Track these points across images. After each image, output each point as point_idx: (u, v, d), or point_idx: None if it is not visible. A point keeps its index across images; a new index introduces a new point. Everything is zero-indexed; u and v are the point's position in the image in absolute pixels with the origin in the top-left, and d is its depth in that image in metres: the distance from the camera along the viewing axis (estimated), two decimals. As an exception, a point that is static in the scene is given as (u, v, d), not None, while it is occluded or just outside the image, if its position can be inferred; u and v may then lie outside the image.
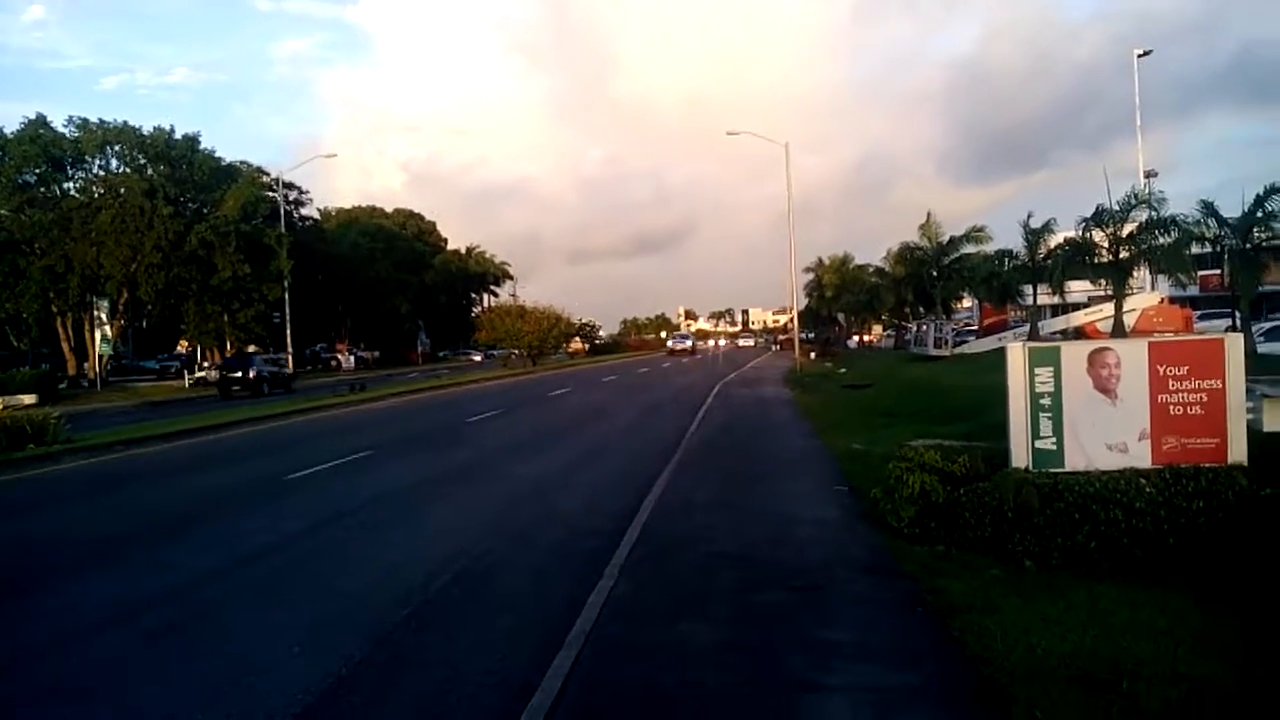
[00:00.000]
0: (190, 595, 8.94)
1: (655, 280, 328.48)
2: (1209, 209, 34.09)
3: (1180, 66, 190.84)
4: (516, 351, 74.88)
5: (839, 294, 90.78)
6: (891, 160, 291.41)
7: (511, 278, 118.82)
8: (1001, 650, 6.25)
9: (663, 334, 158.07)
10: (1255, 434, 9.63)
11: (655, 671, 6.35)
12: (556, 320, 77.14)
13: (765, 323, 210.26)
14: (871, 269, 79.65)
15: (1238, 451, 9.24)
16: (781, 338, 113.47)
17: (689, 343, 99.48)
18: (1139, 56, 54.87)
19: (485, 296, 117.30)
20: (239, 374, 45.12)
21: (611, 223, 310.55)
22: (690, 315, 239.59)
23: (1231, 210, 33.73)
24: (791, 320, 77.40)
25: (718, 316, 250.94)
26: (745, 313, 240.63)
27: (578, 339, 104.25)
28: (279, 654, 7.14)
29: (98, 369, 54.52)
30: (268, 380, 45.94)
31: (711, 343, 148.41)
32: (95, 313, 54.53)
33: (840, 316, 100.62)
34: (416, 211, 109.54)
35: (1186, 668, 5.88)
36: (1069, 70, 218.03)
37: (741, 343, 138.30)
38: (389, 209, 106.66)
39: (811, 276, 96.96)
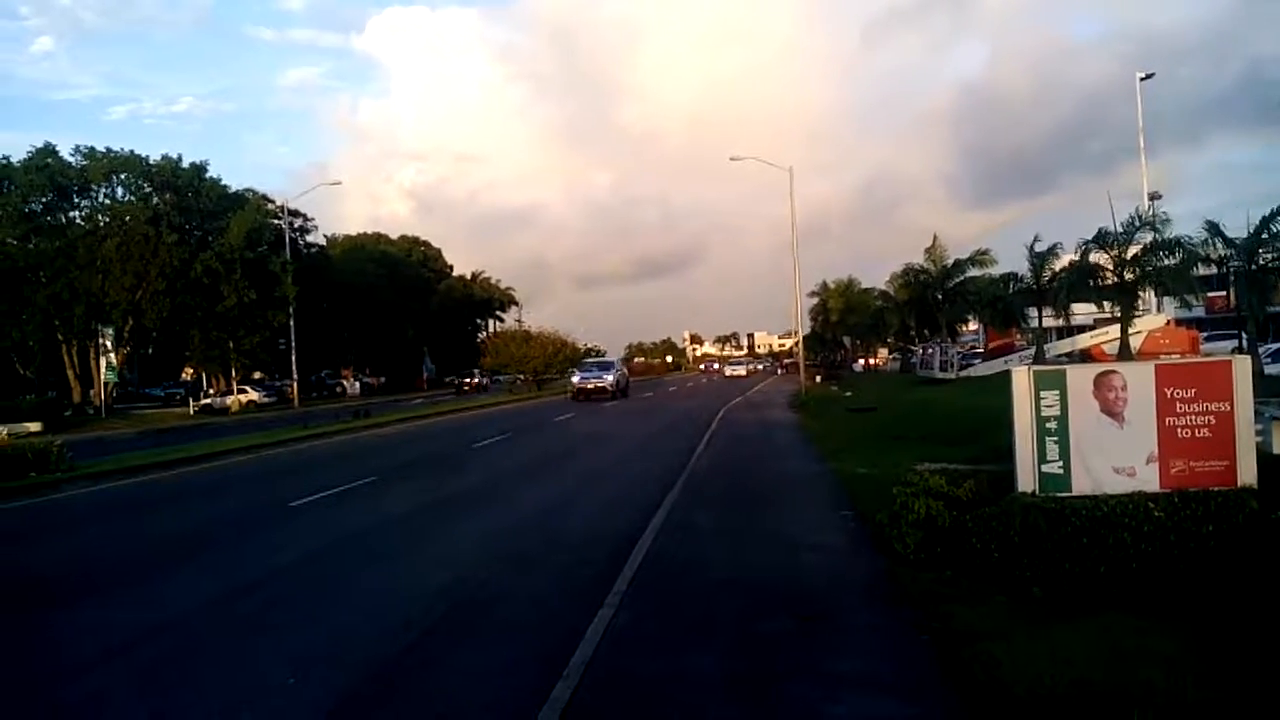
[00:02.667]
0: (184, 626, 8.84)
1: (661, 305, 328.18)
2: (1214, 229, 34.07)
3: (1190, 88, 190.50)
4: (522, 376, 74.86)
5: (844, 317, 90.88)
6: (899, 183, 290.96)
7: (516, 303, 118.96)
8: (1009, 679, 6.12)
9: (668, 359, 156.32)
10: (1264, 456, 9.53)
11: (656, 703, 6.22)
12: (561, 345, 77.08)
13: (771, 346, 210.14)
14: (876, 292, 79.71)
15: (1247, 474, 9.13)
16: (787, 361, 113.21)
17: (610, 376, 54.70)
18: (1141, 79, 55.06)
19: (490, 322, 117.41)
20: (467, 380, 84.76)
21: (618, 248, 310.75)
22: (696, 339, 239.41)
23: (1241, 231, 33.72)
24: (797, 344, 77.28)
25: (723, 340, 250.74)
26: (751, 336, 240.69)
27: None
28: (274, 685, 7.03)
29: (103, 396, 54.57)
30: (485, 385, 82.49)
31: (703, 366, 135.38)
32: (100, 340, 54.65)
33: (845, 340, 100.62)
34: (422, 238, 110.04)
35: (1196, 695, 5.75)
36: (1077, 93, 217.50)
37: (729, 370, 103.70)
38: (395, 235, 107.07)
39: (817, 300, 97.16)
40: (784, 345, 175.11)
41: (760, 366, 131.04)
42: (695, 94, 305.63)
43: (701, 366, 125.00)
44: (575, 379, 54.38)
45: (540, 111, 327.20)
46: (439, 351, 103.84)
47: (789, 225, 51.67)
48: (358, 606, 9.36)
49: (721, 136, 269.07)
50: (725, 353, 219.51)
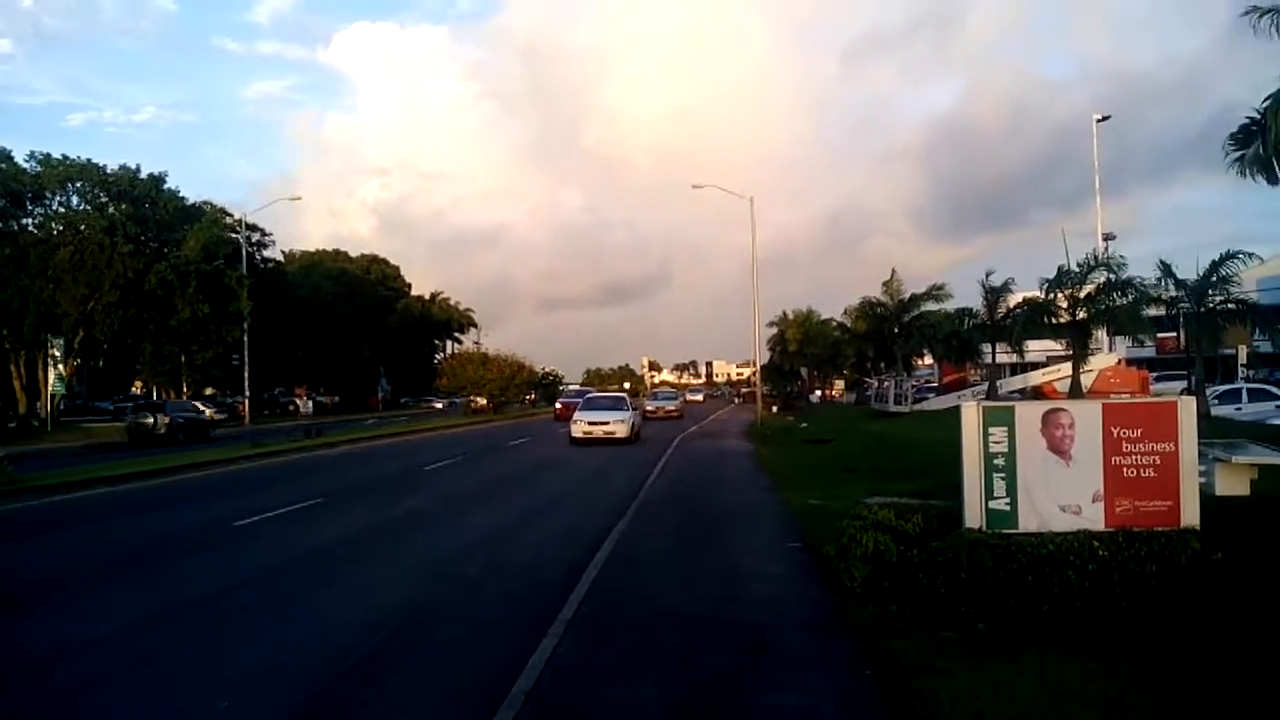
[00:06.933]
0: (117, 646, 8.62)
1: (621, 331, 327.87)
2: (1166, 270, 34.61)
3: (1160, 130, 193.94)
4: (478, 399, 74.50)
5: (802, 348, 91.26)
6: (866, 214, 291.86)
7: (475, 325, 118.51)
8: (949, 715, 6.10)
9: (625, 385, 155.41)
10: (1208, 497, 9.61)
11: (595, 735, 6.14)
12: (519, 368, 76.90)
13: (729, 375, 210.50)
14: (835, 324, 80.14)
15: (1190, 515, 9.22)
16: (744, 390, 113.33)
17: None
18: (1098, 121, 56.05)
19: (448, 343, 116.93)
20: None
21: (579, 272, 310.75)
22: (654, 366, 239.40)
23: (1194, 273, 34.23)
24: (755, 374, 77.45)
25: (682, 368, 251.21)
26: (709, 365, 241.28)
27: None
28: (206, 709, 6.86)
29: (49, 408, 53.61)
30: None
31: (559, 404, 70.02)
32: (49, 351, 53.72)
33: (803, 371, 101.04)
34: (381, 256, 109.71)
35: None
36: (1048, 131, 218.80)
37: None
38: (355, 253, 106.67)
39: (776, 330, 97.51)
40: (742, 374, 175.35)
41: (699, 396, 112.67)
42: (663, 119, 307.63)
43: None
44: None
45: (507, 132, 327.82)
46: (395, 372, 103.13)
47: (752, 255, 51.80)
48: (297, 629, 9.21)
49: (689, 162, 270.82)
50: (684, 380, 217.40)
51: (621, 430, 35.25)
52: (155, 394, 69.18)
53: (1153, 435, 9.34)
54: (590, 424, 35.41)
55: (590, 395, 47.00)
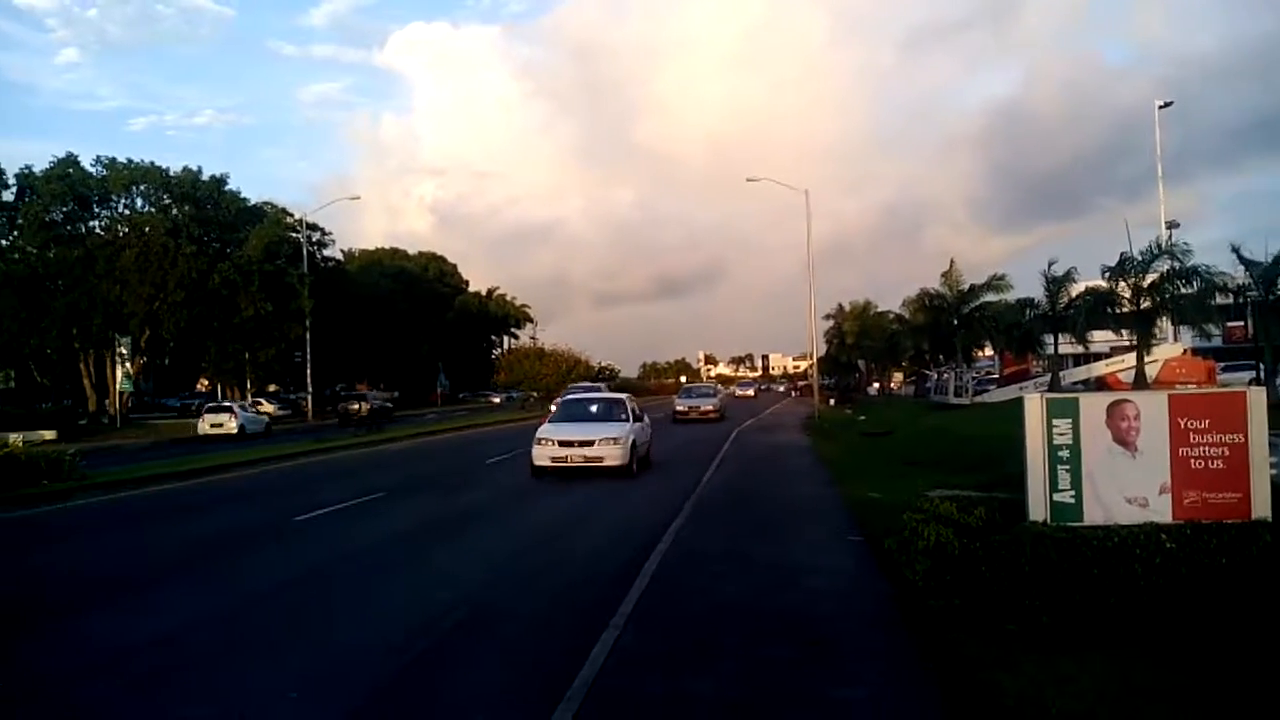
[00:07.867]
0: (186, 639, 8.81)
1: (677, 325, 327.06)
2: (1239, 256, 33.90)
3: (1225, 113, 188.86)
4: (535, 394, 74.91)
5: (859, 340, 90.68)
6: (924, 205, 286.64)
7: (532, 320, 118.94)
8: (1014, 709, 6.05)
9: (683, 378, 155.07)
10: (1279, 489, 9.41)
11: (657, 726, 6.17)
12: (575, 363, 77.27)
13: (786, 368, 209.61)
14: (892, 316, 79.43)
15: (1261, 507, 9.01)
16: (801, 384, 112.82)
17: None
18: (1160, 107, 55.01)
19: (505, 339, 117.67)
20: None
21: (634, 267, 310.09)
22: (710, 360, 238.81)
23: (1263, 260, 33.49)
24: (811, 366, 77.01)
25: (738, 361, 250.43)
26: (765, 358, 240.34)
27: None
28: (276, 700, 7.00)
29: (118, 406, 54.79)
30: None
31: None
32: (117, 350, 54.87)
33: (860, 363, 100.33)
34: (439, 254, 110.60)
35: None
36: (1110, 117, 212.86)
37: (679, 405, 52.35)
38: (412, 251, 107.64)
39: (832, 323, 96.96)
40: (799, 367, 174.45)
41: (750, 390, 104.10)
42: (717, 112, 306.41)
43: (553, 406, 29.28)
44: None
45: (560, 129, 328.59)
46: (453, 367, 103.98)
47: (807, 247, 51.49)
48: (360, 623, 9.32)
49: (743, 155, 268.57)
50: (740, 373, 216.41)
51: (613, 455, 21.66)
52: (220, 392, 70.34)
53: (1221, 426, 9.14)
54: (562, 444, 21.81)
55: (570, 397, 30.09)
